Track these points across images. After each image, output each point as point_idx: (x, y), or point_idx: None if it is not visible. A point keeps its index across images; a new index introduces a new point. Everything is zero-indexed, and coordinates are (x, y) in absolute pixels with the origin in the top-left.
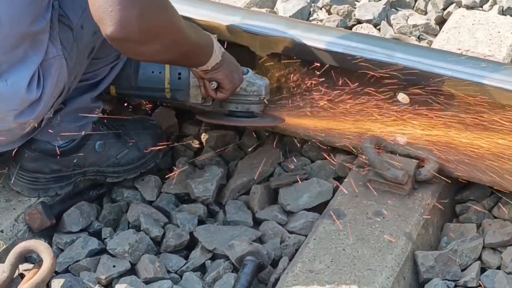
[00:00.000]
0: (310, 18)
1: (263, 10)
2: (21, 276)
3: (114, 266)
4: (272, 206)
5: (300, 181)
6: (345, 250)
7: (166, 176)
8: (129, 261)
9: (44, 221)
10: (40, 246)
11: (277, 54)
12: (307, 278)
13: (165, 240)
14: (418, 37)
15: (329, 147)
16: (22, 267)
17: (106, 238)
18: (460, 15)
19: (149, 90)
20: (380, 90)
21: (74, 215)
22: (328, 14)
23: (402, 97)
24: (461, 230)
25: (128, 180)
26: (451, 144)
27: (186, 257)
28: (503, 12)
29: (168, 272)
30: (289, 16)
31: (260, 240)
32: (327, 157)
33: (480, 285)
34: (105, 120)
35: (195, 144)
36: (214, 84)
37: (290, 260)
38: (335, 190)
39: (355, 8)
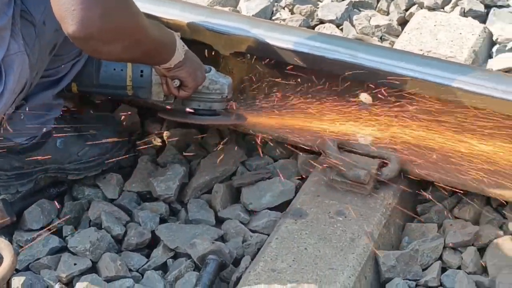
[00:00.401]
0: (273, 18)
1: (226, 8)
2: None
3: (75, 264)
4: (235, 205)
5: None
6: (307, 250)
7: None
8: (90, 259)
9: (5, 219)
10: (1, 244)
11: (240, 53)
12: (269, 277)
13: (126, 238)
14: (381, 38)
15: (292, 146)
16: None
17: (67, 236)
18: (422, 16)
19: (111, 88)
20: (343, 90)
21: (35, 212)
22: (291, 14)
23: (365, 97)
24: (423, 230)
25: (90, 178)
26: (413, 144)
27: (148, 256)
28: (464, 14)
29: (130, 270)
30: (252, 15)
31: (222, 239)
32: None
33: (440, 285)
34: (67, 117)
35: (157, 142)
36: (177, 82)
37: (252, 259)
38: (297, 189)
39: (317, 8)
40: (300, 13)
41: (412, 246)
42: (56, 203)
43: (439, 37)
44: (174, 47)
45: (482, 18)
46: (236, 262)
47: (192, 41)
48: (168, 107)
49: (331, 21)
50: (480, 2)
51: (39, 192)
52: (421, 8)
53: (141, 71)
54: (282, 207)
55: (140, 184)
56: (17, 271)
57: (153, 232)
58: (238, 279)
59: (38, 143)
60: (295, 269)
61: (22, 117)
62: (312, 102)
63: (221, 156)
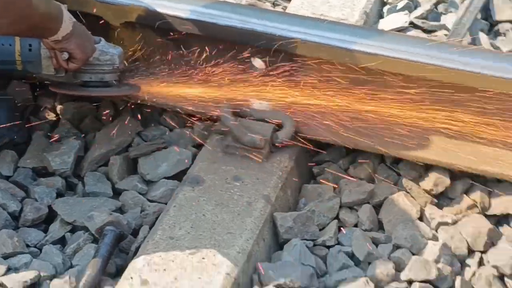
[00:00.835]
0: None
1: None
2: None
3: None
4: (132, 176)
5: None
6: (205, 216)
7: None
8: None
9: None
10: None
11: (131, 22)
12: (168, 245)
13: (23, 214)
14: (273, 3)
15: (187, 115)
16: None
17: None
18: None
19: (0, 63)
20: (236, 55)
21: None
22: None
23: (258, 62)
24: (319, 191)
25: None
26: (307, 107)
27: (46, 231)
28: None
29: (27, 246)
30: None
31: (120, 210)
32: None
33: (338, 243)
34: None
35: (51, 116)
36: (66, 55)
37: (150, 229)
38: (194, 157)
39: None
40: None
41: (308, 207)
42: None
43: (331, 1)
44: (61, 19)
45: None
46: (135, 233)
47: (82, 13)
48: (60, 80)
49: None
50: None
51: None
52: None
53: (30, 45)
54: (179, 176)
55: (35, 160)
56: None
57: (49, 207)
58: (137, 249)
59: None
60: (193, 235)
61: None
62: (205, 69)
63: (115, 128)
